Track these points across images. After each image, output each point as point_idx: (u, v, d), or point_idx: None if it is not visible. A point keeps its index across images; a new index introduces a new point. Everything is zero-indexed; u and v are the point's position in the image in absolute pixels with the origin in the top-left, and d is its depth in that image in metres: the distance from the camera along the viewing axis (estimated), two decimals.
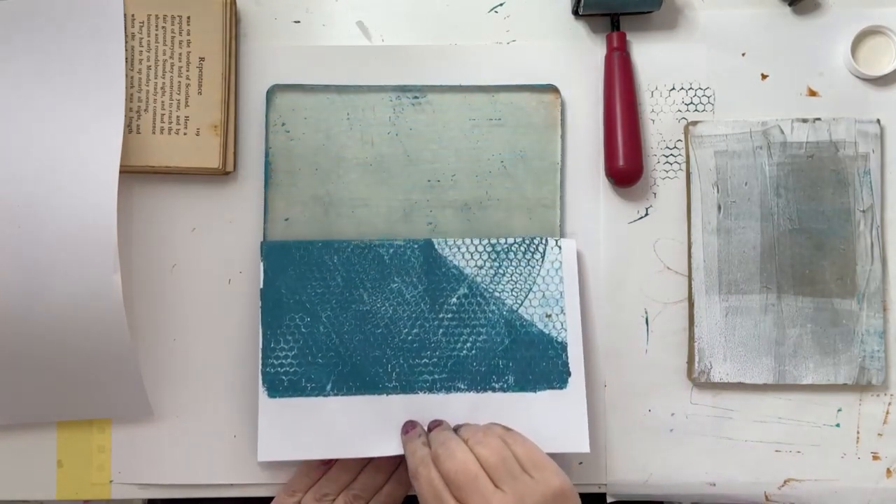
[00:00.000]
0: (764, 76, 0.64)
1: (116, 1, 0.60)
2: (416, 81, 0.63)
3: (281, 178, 0.62)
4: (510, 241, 0.61)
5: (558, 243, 0.61)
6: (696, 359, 0.62)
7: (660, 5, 0.62)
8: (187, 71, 0.61)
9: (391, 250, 0.61)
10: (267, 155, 0.62)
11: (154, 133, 0.61)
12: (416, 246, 0.61)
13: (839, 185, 0.62)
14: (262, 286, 0.60)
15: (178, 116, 0.61)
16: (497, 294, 0.61)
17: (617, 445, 0.62)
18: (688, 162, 0.63)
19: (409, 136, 0.63)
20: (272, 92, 0.63)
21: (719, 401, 0.63)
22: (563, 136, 0.63)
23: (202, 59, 0.61)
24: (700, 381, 0.62)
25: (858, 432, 0.62)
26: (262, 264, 0.61)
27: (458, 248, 0.61)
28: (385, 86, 0.63)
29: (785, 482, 0.62)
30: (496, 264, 0.61)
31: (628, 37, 0.63)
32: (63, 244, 0.57)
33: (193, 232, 0.63)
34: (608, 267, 0.63)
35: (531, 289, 0.61)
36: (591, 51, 0.64)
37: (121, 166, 0.58)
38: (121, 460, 0.62)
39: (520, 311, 0.61)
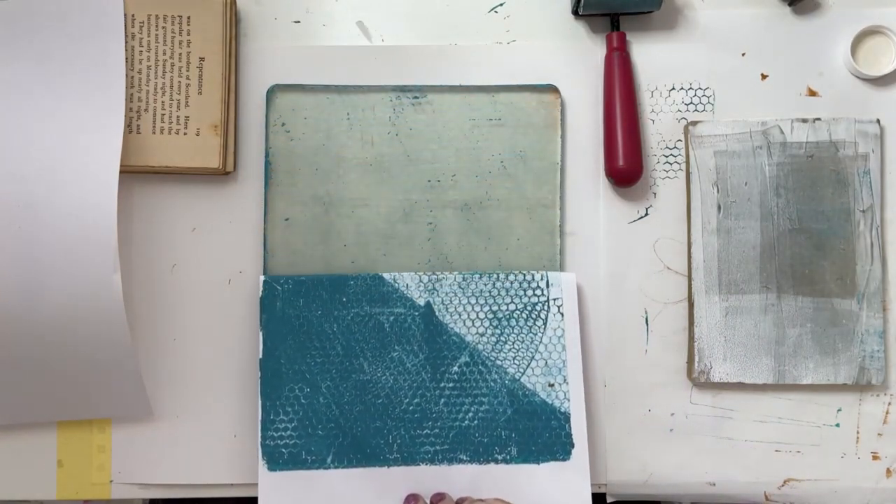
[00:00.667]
0: (764, 76, 0.64)
1: (116, 1, 0.60)
2: (416, 81, 0.63)
3: (281, 178, 0.62)
4: (511, 306, 0.61)
5: (561, 309, 0.61)
6: (696, 359, 0.62)
7: (660, 5, 0.62)
8: (187, 71, 0.61)
9: (391, 318, 0.60)
10: (267, 155, 0.62)
11: (154, 133, 0.61)
12: (416, 313, 0.61)
13: (839, 185, 0.62)
14: (260, 356, 0.60)
15: (178, 116, 0.61)
16: (499, 362, 0.60)
17: (617, 445, 0.62)
18: (688, 162, 0.63)
19: (409, 136, 0.63)
20: (272, 92, 0.63)
21: (719, 401, 0.63)
22: (563, 136, 0.63)
23: (202, 59, 0.61)
24: (700, 381, 0.62)
25: (858, 432, 0.62)
26: (260, 334, 0.60)
27: (459, 315, 0.61)
28: (385, 86, 0.63)
29: (785, 482, 0.62)
30: (497, 331, 0.61)
31: (628, 37, 0.63)
32: (63, 244, 0.57)
33: (193, 232, 0.63)
34: (608, 267, 0.63)
35: (533, 357, 0.61)
36: (591, 51, 0.64)
37: (121, 166, 0.58)
38: (121, 460, 0.62)
39: (522, 380, 0.60)
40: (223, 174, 0.62)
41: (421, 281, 0.61)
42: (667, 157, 0.64)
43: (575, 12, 0.64)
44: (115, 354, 0.58)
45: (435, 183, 0.63)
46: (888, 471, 0.62)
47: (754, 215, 0.62)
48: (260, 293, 0.61)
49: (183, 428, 0.62)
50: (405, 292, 0.61)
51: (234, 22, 0.63)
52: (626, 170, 0.61)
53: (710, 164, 0.62)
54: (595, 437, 0.62)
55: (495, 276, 0.61)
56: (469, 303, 0.61)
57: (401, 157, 0.63)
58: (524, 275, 0.61)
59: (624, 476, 0.62)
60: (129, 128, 0.60)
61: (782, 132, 0.62)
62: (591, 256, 0.63)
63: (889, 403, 0.63)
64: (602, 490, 0.62)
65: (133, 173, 0.61)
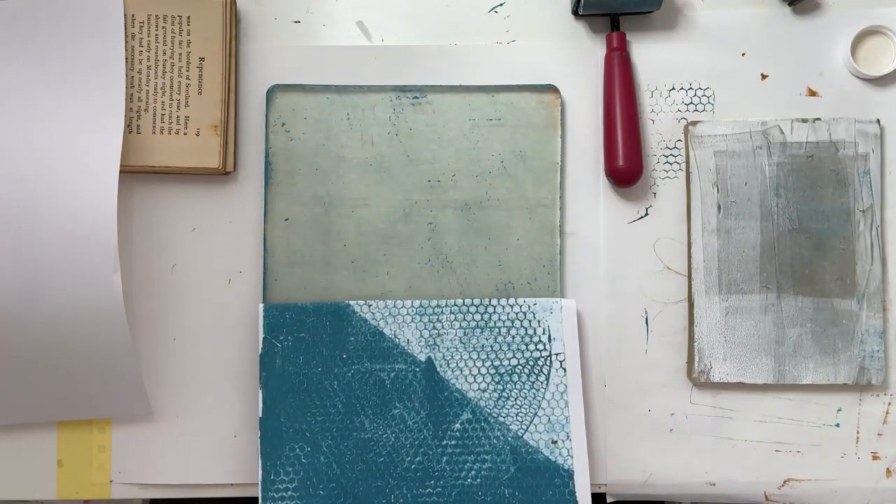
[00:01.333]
0: (764, 76, 0.64)
1: (116, 1, 0.60)
2: (416, 81, 0.63)
3: (281, 178, 0.62)
4: (513, 360, 0.60)
5: (563, 364, 0.60)
6: (696, 359, 0.62)
7: (660, 5, 0.62)
8: (187, 71, 0.61)
9: (392, 374, 0.60)
10: (267, 155, 0.62)
11: (154, 133, 0.61)
12: (417, 369, 0.60)
13: (839, 185, 0.62)
14: (260, 415, 0.59)
15: (178, 116, 0.61)
16: (501, 419, 0.60)
17: (617, 445, 0.62)
18: (688, 162, 0.63)
19: (409, 136, 0.63)
20: (272, 92, 0.63)
21: (719, 401, 0.63)
22: (563, 136, 0.63)
23: (202, 59, 0.61)
24: (700, 381, 0.62)
25: (858, 432, 0.62)
26: (260, 392, 0.60)
27: (461, 371, 0.60)
28: (385, 86, 0.63)
29: (785, 482, 0.62)
30: (500, 387, 0.60)
31: (628, 37, 0.63)
32: (63, 244, 0.57)
33: (193, 232, 0.63)
34: (608, 267, 0.63)
35: (536, 413, 0.60)
36: (591, 51, 0.64)
37: (121, 166, 0.58)
38: (121, 460, 0.62)
39: (525, 437, 0.60)
40: (223, 174, 0.62)
41: (422, 336, 0.60)
42: (667, 157, 0.64)
43: (575, 12, 0.64)
44: (115, 354, 0.58)
45: (435, 183, 0.63)
46: (888, 471, 0.62)
47: (754, 215, 0.62)
48: (259, 350, 0.60)
49: (183, 428, 0.62)
50: (406, 348, 0.60)
51: (234, 22, 0.63)
52: (626, 170, 0.61)
53: (710, 164, 0.62)
54: (595, 437, 0.62)
55: (497, 330, 0.61)
56: (471, 358, 0.60)
57: (401, 157, 0.63)
58: (525, 329, 0.60)
59: (624, 476, 0.62)
60: (129, 128, 0.60)
61: (782, 132, 0.62)
62: (591, 256, 0.63)
63: (889, 403, 0.63)
64: (602, 490, 0.62)
65: (133, 173, 0.61)
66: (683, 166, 0.63)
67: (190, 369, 0.62)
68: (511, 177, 0.63)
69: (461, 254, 0.62)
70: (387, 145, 0.63)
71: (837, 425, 0.62)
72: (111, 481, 0.62)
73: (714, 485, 0.62)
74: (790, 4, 0.64)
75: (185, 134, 0.61)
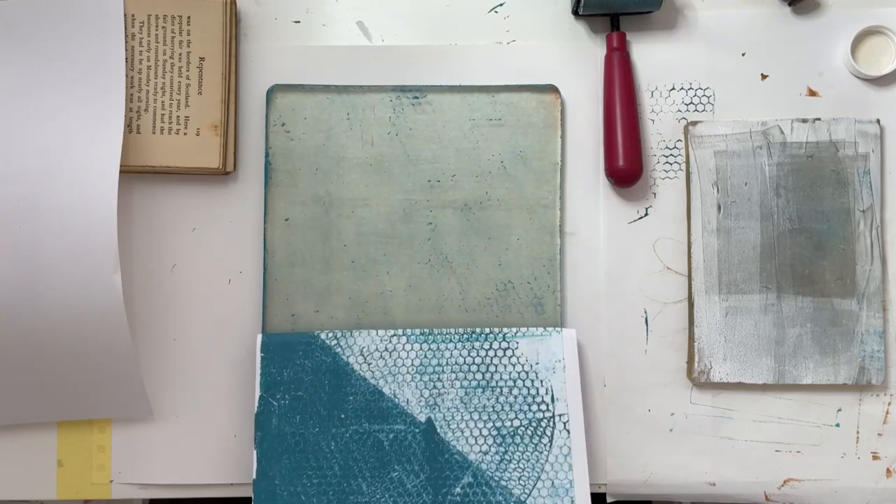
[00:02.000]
0: (764, 76, 0.64)
1: (116, 1, 0.60)
2: (416, 81, 0.63)
3: (281, 178, 0.62)
4: (515, 422, 0.59)
5: (567, 426, 0.59)
6: (696, 359, 0.62)
7: (660, 5, 0.62)
8: (187, 71, 0.61)
9: (391, 435, 0.58)
10: (267, 155, 0.62)
11: (154, 133, 0.61)
12: (417, 430, 0.58)
13: (839, 185, 0.62)
14: (254, 477, 0.58)
15: (178, 116, 0.61)
16: (504, 483, 0.58)
17: (617, 445, 0.62)
18: (687, 162, 0.63)
19: (409, 136, 0.63)
20: (272, 92, 0.63)
21: (719, 401, 0.63)
22: (562, 136, 0.63)
23: (202, 59, 0.61)
24: (700, 380, 0.62)
25: (858, 432, 0.62)
26: (254, 453, 0.58)
27: (462, 432, 0.58)
28: (385, 86, 0.63)
29: (785, 482, 0.62)
30: (502, 449, 0.58)
31: (628, 37, 0.63)
32: (63, 244, 0.57)
33: (193, 232, 0.63)
34: (608, 267, 0.63)
35: (539, 477, 0.58)
36: (591, 51, 0.64)
37: (121, 166, 0.58)
38: (121, 460, 0.62)
39: (528, 501, 0.58)
40: (223, 174, 0.62)
41: (422, 396, 0.59)
42: (667, 157, 0.64)
43: (575, 12, 0.64)
44: (115, 354, 0.58)
45: (435, 183, 0.63)
46: (888, 471, 0.62)
47: (754, 215, 0.62)
48: (255, 409, 0.59)
49: (183, 428, 0.62)
50: (405, 408, 0.59)
51: (234, 22, 0.63)
52: (626, 170, 0.61)
53: (710, 164, 0.62)
54: (595, 437, 0.62)
55: (498, 390, 0.59)
56: (472, 419, 0.59)
57: (401, 157, 0.63)
58: (528, 389, 0.59)
59: (624, 476, 0.62)
60: (129, 128, 0.60)
61: (782, 132, 0.62)
62: (591, 256, 0.63)
63: (889, 403, 0.63)
64: (602, 490, 0.62)
65: (133, 173, 0.61)
66: (683, 166, 0.63)
67: (190, 369, 0.62)
68: (511, 177, 0.63)
69: (461, 254, 0.62)
70: (387, 145, 0.63)
71: (837, 425, 0.62)
72: (111, 481, 0.62)
73: (714, 485, 0.62)
74: (790, 4, 0.64)
75: (185, 134, 0.61)
